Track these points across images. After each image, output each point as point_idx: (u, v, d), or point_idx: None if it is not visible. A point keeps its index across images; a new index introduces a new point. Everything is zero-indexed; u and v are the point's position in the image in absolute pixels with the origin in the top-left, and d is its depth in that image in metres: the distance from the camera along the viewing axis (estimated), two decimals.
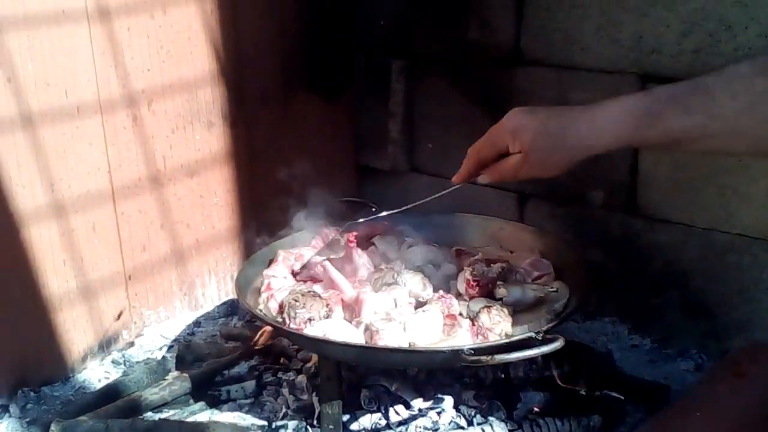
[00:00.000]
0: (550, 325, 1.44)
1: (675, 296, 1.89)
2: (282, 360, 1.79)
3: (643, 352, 1.89)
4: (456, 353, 1.33)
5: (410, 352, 1.42)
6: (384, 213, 1.70)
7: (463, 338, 1.45)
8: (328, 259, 1.67)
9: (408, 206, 1.68)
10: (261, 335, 1.80)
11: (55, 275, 1.77)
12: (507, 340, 1.40)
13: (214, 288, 2.13)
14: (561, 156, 1.38)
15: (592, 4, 1.87)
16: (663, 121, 1.27)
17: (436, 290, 1.61)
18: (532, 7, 1.97)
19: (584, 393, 1.64)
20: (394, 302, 1.56)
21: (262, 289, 1.65)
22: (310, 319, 1.50)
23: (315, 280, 1.69)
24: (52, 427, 1.54)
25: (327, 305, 1.54)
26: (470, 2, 2.06)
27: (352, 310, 1.57)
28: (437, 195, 1.60)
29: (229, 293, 2.14)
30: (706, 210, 1.82)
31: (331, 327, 1.47)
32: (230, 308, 2.09)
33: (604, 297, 1.96)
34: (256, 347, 1.79)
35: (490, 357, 1.31)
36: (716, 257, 1.82)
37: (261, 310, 1.59)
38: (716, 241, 1.81)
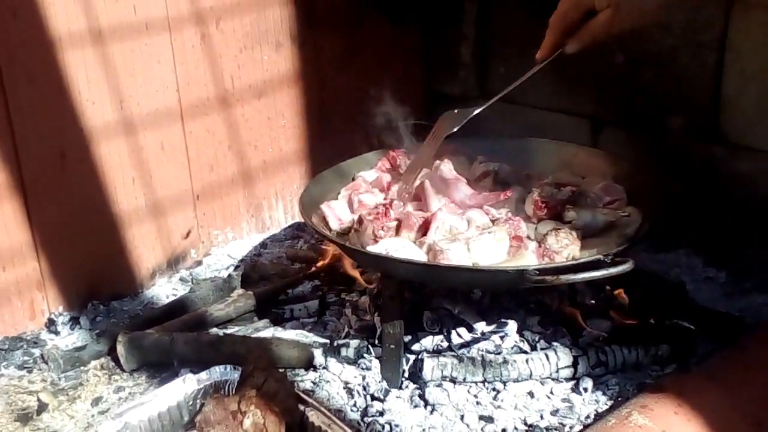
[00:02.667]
0: (620, 248, 1.38)
1: (755, 227, 1.81)
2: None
3: (717, 284, 1.82)
4: (521, 273, 1.30)
5: (473, 271, 1.39)
6: (477, 109, 1.63)
7: (529, 260, 1.41)
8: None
9: (492, 99, 1.62)
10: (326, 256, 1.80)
11: (124, 192, 1.79)
12: (574, 262, 1.36)
13: (281, 210, 2.13)
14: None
15: None
16: None
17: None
18: None
19: (653, 322, 1.59)
20: (467, 223, 1.52)
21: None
22: (377, 237, 1.48)
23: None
24: (120, 338, 1.57)
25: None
26: None
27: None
28: (525, 77, 1.54)
29: (295, 216, 2.14)
30: None
31: (394, 245, 1.45)
32: (296, 231, 2.10)
33: (679, 228, 1.89)
34: (318, 266, 1.79)
35: (555, 277, 1.27)
36: None
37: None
38: None
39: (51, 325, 1.72)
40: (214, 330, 1.68)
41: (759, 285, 1.80)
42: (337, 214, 1.62)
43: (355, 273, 1.76)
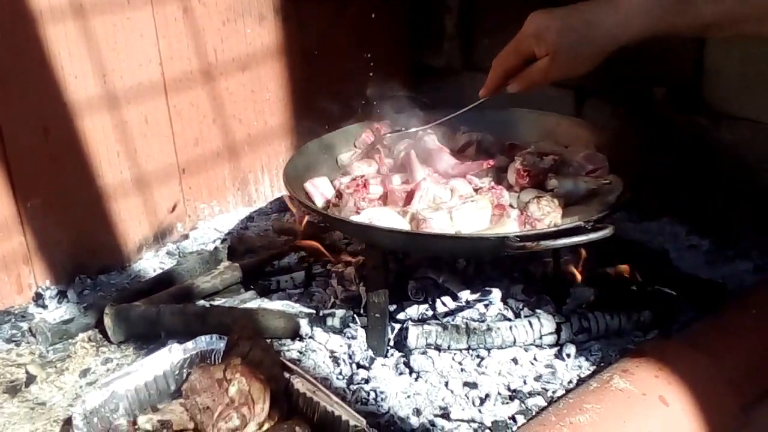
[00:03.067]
0: (601, 214, 1.40)
1: (738, 196, 1.82)
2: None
3: (701, 252, 1.83)
4: (502, 240, 1.31)
5: (455, 239, 1.40)
6: (412, 130, 1.70)
7: (511, 228, 1.42)
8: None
9: (428, 125, 1.68)
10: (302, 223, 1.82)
11: (109, 166, 1.79)
12: (555, 228, 1.37)
13: (267, 184, 2.14)
14: (588, 51, 1.35)
15: None
16: (692, 7, 1.24)
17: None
18: None
19: (635, 288, 1.61)
20: (450, 192, 1.53)
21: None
22: (358, 209, 1.49)
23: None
24: (106, 310, 1.58)
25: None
26: None
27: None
28: (461, 111, 1.60)
29: (281, 189, 2.14)
30: None
31: (377, 214, 1.46)
32: (283, 204, 2.10)
33: (663, 197, 1.91)
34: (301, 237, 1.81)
35: (535, 243, 1.28)
36: None
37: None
38: None
39: (38, 298, 1.73)
40: (200, 302, 1.69)
41: (741, 252, 1.81)
42: (321, 191, 1.63)
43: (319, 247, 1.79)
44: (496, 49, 2.10)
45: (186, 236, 1.97)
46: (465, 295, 1.58)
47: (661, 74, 1.89)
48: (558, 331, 1.50)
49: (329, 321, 1.56)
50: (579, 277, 1.65)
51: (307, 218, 1.86)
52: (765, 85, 1.74)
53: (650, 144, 1.88)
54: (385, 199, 1.56)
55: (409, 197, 1.53)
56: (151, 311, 1.59)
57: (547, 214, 1.43)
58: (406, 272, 1.63)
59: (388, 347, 1.51)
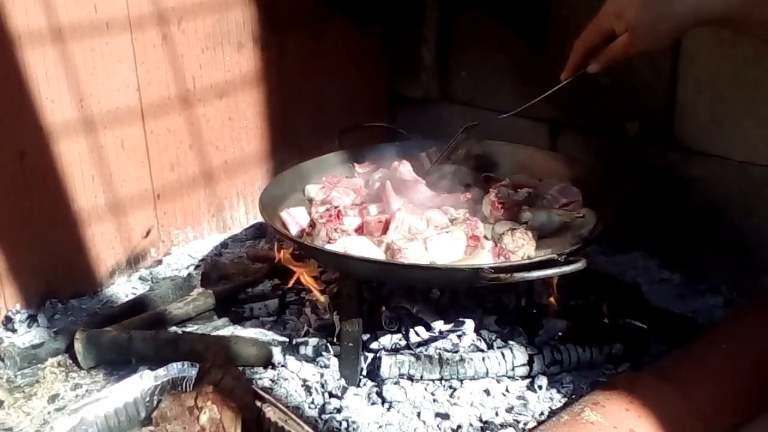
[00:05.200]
0: (574, 248, 1.41)
1: (708, 231, 1.85)
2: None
3: (672, 286, 1.85)
4: (475, 271, 1.32)
5: (430, 269, 1.41)
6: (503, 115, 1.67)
7: (485, 259, 1.43)
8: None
9: (511, 113, 1.65)
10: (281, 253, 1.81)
11: (84, 190, 1.79)
12: (528, 261, 1.38)
13: (242, 211, 2.14)
14: (667, 26, 1.37)
15: None
16: None
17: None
18: None
19: (607, 321, 1.62)
20: (426, 222, 1.54)
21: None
22: (330, 239, 1.49)
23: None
24: (77, 336, 1.57)
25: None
26: None
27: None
28: (542, 96, 1.59)
29: (257, 216, 2.14)
30: (744, 142, 1.76)
31: (352, 243, 1.46)
32: (258, 231, 2.10)
33: (635, 231, 1.93)
34: (278, 265, 1.80)
35: (509, 275, 1.29)
36: (753, 191, 1.77)
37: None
38: (753, 174, 1.76)
39: (8, 322, 1.71)
40: (173, 329, 1.68)
41: (711, 287, 1.84)
42: (297, 220, 1.63)
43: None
44: (473, 80, 2.14)
45: (159, 262, 1.96)
46: (438, 325, 1.58)
47: (634, 109, 1.92)
48: (530, 362, 1.51)
49: (302, 349, 1.56)
50: (551, 308, 1.66)
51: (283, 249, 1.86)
52: (733, 123, 1.77)
53: (622, 177, 1.90)
54: (361, 229, 1.57)
55: (385, 227, 1.54)
56: (122, 337, 1.57)
57: (521, 247, 1.44)
58: (380, 301, 1.63)
59: (361, 377, 1.51)
